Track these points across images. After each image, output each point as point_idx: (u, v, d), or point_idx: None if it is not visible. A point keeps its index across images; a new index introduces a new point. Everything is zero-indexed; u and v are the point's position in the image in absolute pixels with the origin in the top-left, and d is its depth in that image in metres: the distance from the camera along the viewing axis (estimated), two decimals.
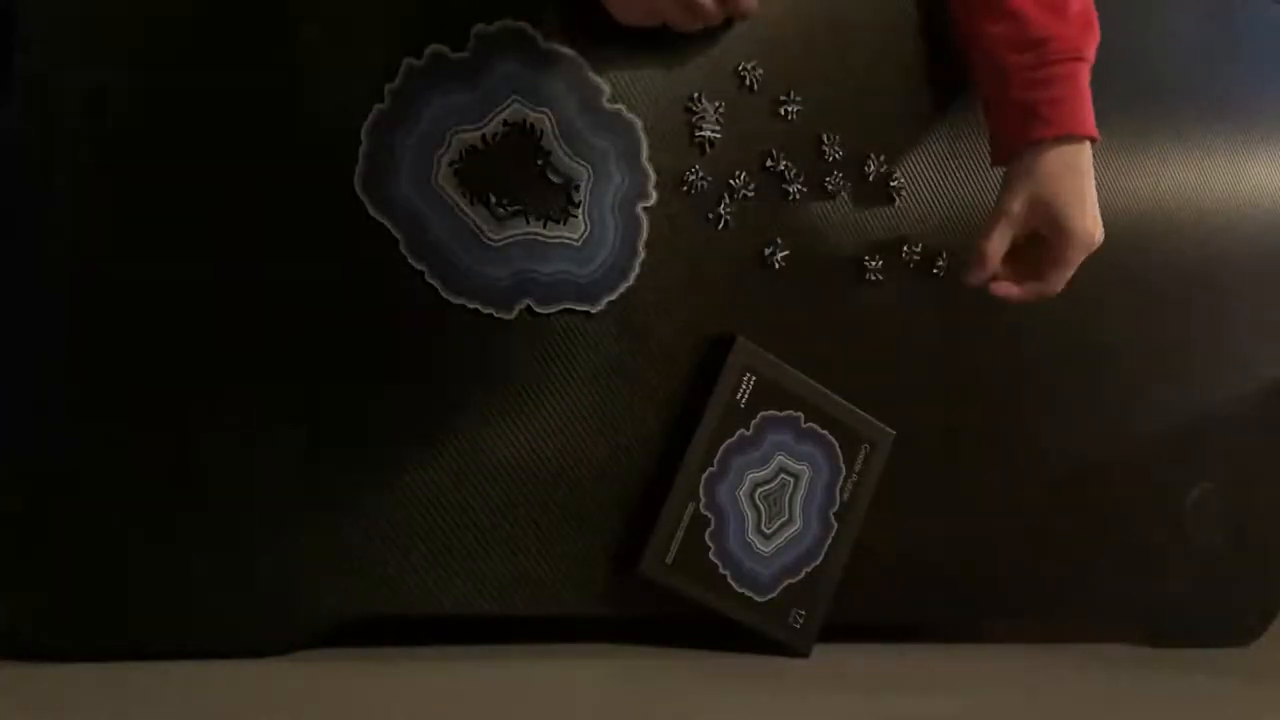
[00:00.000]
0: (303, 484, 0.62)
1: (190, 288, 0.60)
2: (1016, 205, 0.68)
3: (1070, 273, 0.69)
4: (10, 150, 0.58)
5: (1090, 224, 0.68)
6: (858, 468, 0.75)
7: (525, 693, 0.62)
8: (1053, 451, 0.84)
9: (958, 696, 0.70)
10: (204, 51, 0.60)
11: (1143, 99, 0.85)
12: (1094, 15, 0.70)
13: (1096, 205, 0.68)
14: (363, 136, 0.62)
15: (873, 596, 0.77)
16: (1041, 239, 0.69)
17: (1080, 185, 0.68)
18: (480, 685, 0.62)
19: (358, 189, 0.62)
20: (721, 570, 0.71)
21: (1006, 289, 0.70)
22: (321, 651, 0.63)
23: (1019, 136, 0.68)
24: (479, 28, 0.64)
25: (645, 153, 0.68)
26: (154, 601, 0.60)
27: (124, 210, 0.59)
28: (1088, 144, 0.68)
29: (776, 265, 0.73)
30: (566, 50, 0.66)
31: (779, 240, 0.73)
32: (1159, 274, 0.86)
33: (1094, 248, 0.69)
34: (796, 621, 0.73)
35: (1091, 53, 0.69)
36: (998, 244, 0.69)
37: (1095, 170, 0.68)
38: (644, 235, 0.69)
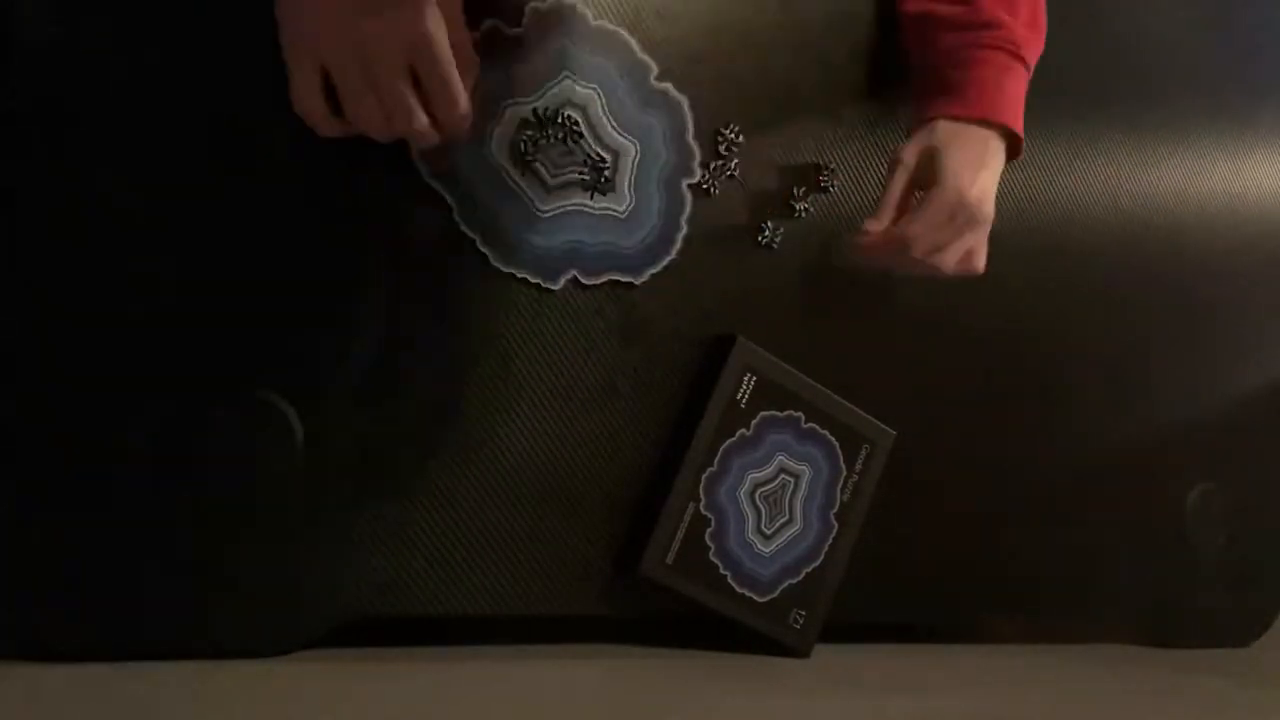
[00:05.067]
0: (303, 484, 0.62)
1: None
2: (910, 155, 0.67)
3: (931, 232, 0.65)
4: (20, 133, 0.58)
5: (967, 186, 0.65)
6: (858, 468, 0.75)
7: (525, 693, 0.62)
8: (1053, 451, 0.84)
9: (958, 696, 0.70)
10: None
11: (1142, 99, 0.85)
12: (1043, 21, 0.69)
13: (986, 188, 0.66)
14: None
15: (873, 596, 0.77)
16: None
17: (977, 161, 0.66)
18: (480, 685, 0.62)
19: (414, 156, 0.63)
20: (722, 570, 0.71)
21: (870, 242, 0.67)
22: (321, 651, 0.63)
23: (936, 109, 0.68)
24: (533, 5, 0.65)
25: (691, 130, 0.70)
26: (153, 602, 0.59)
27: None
28: (1000, 139, 0.67)
29: (777, 262, 0.73)
30: (617, 29, 0.67)
31: (781, 236, 0.73)
32: (1159, 274, 0.86)
33: (966, 209, 0.65)
34: (797, 622, 0.73)
35: (1031, 56, 0.69)
36: (895, 188, 0.67)
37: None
38: (687, 211, 0.70)
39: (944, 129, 0.67)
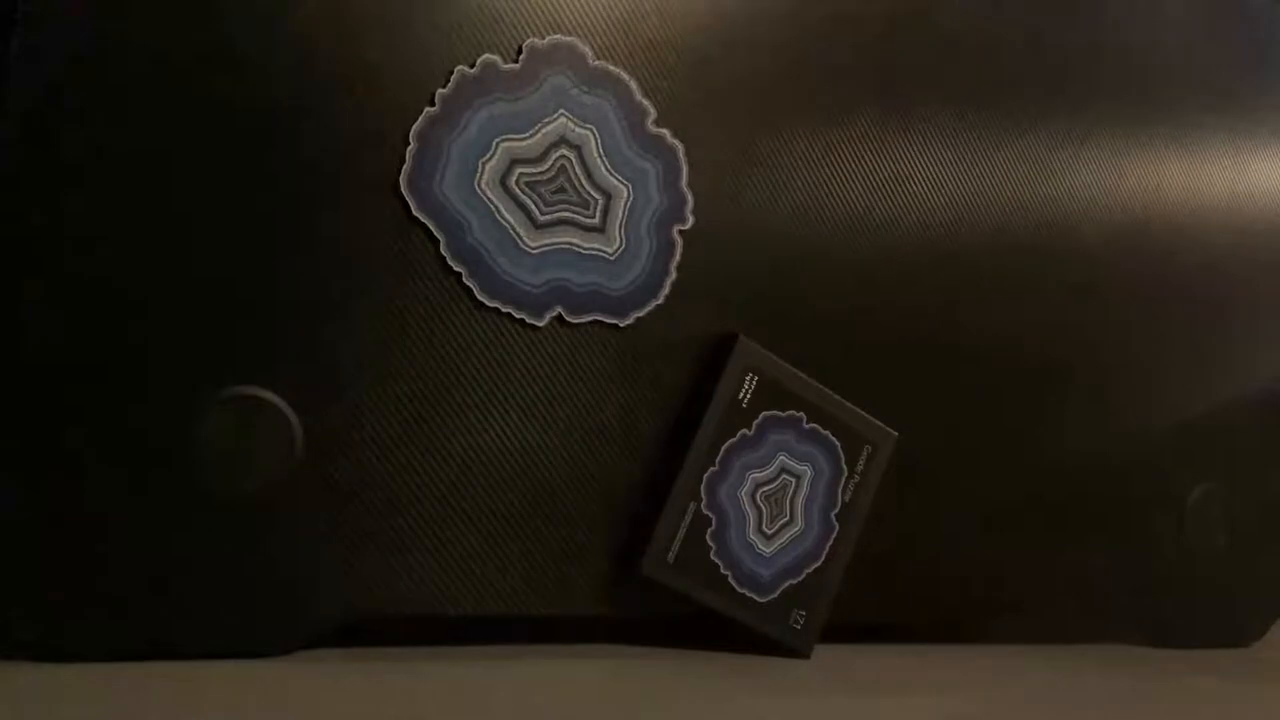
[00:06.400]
0: (304, 483, 0.62)
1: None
2: None
3: None
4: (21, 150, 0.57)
5: None
6: (859, 469, 0.75)
7: (525, 693, 0.62)
8: (1053, 452, 0.84)
9: (958, 696, 0.69)
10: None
11: (1142, 98, 0.85)
12: None
13: None
14: (411, 138, 0.63)
15: (873, 596, 0.77)
16: None
17: None
18: (480, 685, 0.62)
19: (403, 188, 0.63)
20: (723, 570, 0.71)
21: None
22: (321, 651, 0.63)
23: None
24: (531, 41, 0.65)
25: (685, 178, 0.69)
26: (154, 601, 0.59)
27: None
28: None
29: (778, 261, 0.73)
30: (616, 70, 0.67)
31: (785, 240, 0.73)
32: (1159, 274, 0.86)
33: None
34: (797, 622, 0.73)
35: None
36: None
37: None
38: (677, 257, 0.70)
39: None
